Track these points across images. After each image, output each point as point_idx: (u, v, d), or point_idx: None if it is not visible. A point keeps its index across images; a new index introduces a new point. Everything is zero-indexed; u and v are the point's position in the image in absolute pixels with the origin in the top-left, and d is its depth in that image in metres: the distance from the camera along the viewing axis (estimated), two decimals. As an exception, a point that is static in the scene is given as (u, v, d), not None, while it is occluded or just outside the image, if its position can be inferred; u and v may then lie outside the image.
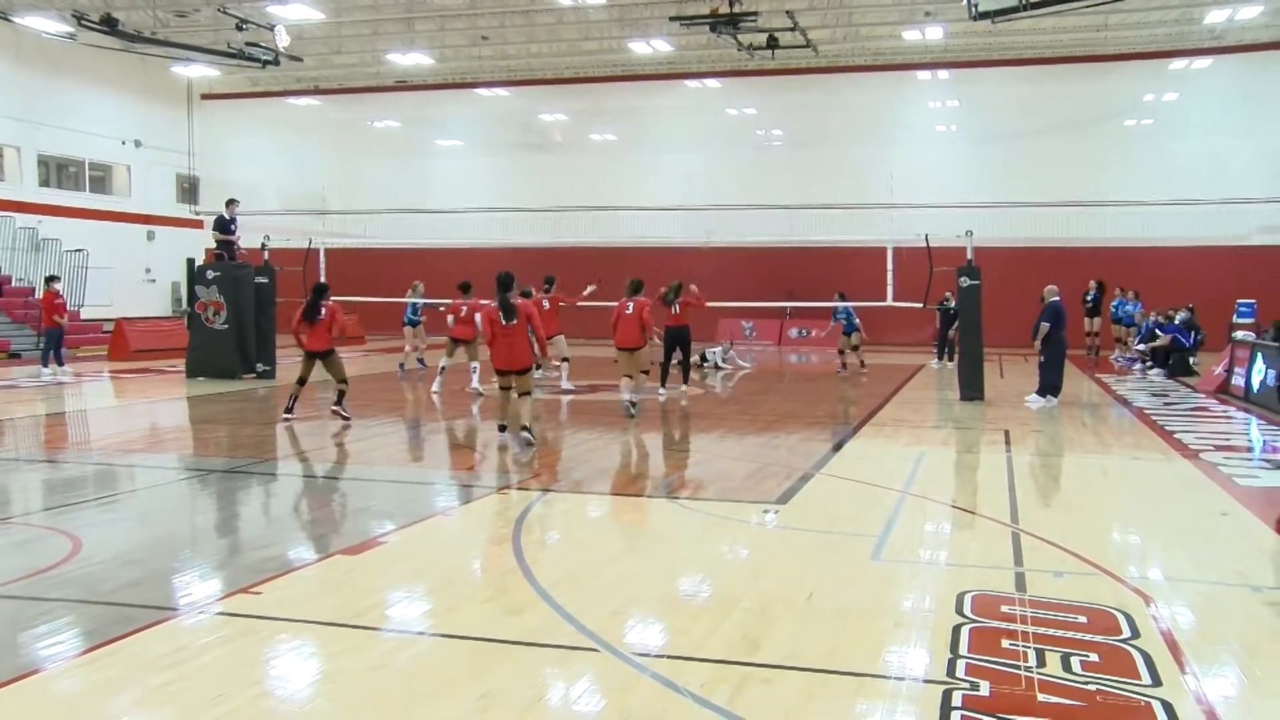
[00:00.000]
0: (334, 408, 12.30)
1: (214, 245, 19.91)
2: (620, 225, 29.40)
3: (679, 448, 11.45)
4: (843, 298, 19.32)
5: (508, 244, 29.84)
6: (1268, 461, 9.53)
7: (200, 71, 30.73)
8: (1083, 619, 5.01)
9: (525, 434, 10.54)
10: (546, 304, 15.90)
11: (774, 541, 7.04)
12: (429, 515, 7.79)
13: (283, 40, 24.08)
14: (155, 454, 10.50)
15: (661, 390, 14.78)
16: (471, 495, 8.57)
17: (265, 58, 25.79)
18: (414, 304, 19.43)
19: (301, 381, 12.53)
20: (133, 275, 31.32)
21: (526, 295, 11.14)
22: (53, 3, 25.00)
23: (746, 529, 7.31)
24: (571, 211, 29.49)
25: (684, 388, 15.50)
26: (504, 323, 10.40)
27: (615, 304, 13.50)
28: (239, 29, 24.03)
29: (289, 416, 12.23)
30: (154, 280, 32.61)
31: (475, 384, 15.67)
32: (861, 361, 19.83)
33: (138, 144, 32.13)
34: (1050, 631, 4.81)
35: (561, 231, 29.02)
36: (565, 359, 16.55)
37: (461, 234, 29.69)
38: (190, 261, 20.01)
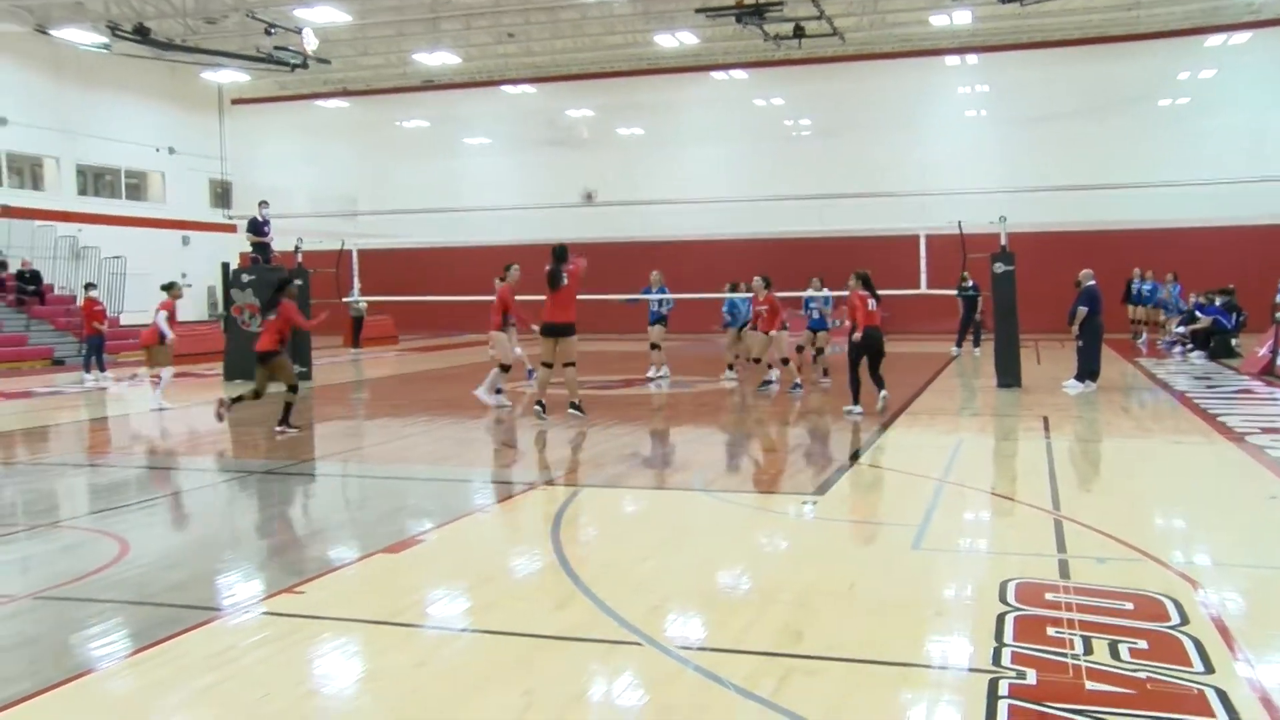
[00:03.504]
0: (278, 426, 11.31)
1: (248, 249, 20.11)
2: (650, 219, 29.37)
3: (713, 441, 11.43)
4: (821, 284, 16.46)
5: (537, 240, 29.90)
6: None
7: (230, 77, 31.08)
8: (1129, 605, 4.95)
9: (572, 410, 11.49)
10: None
11: (813, 532, 7.01)
12: (467, 512, 7.82)
13: (310, 43, 24.24)
14: (196, 457, 10.62)
15: (856, 409, 12.02)
16: (509, 492, 8.60)
17: (293, 61, 26.03)
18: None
19: (257, 394, 11.46)
20: (169, 280, 31.67)
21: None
22: (88, 15, 25.36)
23: (785, 520, 7.29)
24: (601, 207, 29.50)
25: (883, 392, 12.20)
26: (555, 287, 11.37)
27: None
28: (267, 33, 24.24)
29: (224, 411, 11.43)
30: (190, 285, 32.97)
31: (158, 400, 14.24)
32: (812, 369, 16.27)
33: (171, 151, 32.54)
34: (1096, 619, 4.75)
35: (591, 226, 29.01)
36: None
37: (491, 232, 29.79)
38: (225, 265, 20.17)
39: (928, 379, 16.33)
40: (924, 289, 16.10)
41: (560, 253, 11.54)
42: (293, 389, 11.49)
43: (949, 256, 16.37)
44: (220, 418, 11.46)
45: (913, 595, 5.27)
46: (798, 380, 14.78)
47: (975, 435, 11.05)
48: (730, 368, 16.88)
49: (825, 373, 16.07)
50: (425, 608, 5.34)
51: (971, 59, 29.52)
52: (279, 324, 11.39)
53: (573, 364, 11.59)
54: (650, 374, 17.00)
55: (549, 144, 33.33)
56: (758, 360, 15.05)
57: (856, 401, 12.01)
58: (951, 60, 29.61)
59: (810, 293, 16.45)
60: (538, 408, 11.66)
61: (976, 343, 21.11)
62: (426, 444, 11.40)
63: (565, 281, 11.31)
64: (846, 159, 29.30)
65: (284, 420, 11.39)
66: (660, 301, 16.94)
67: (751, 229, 28.13)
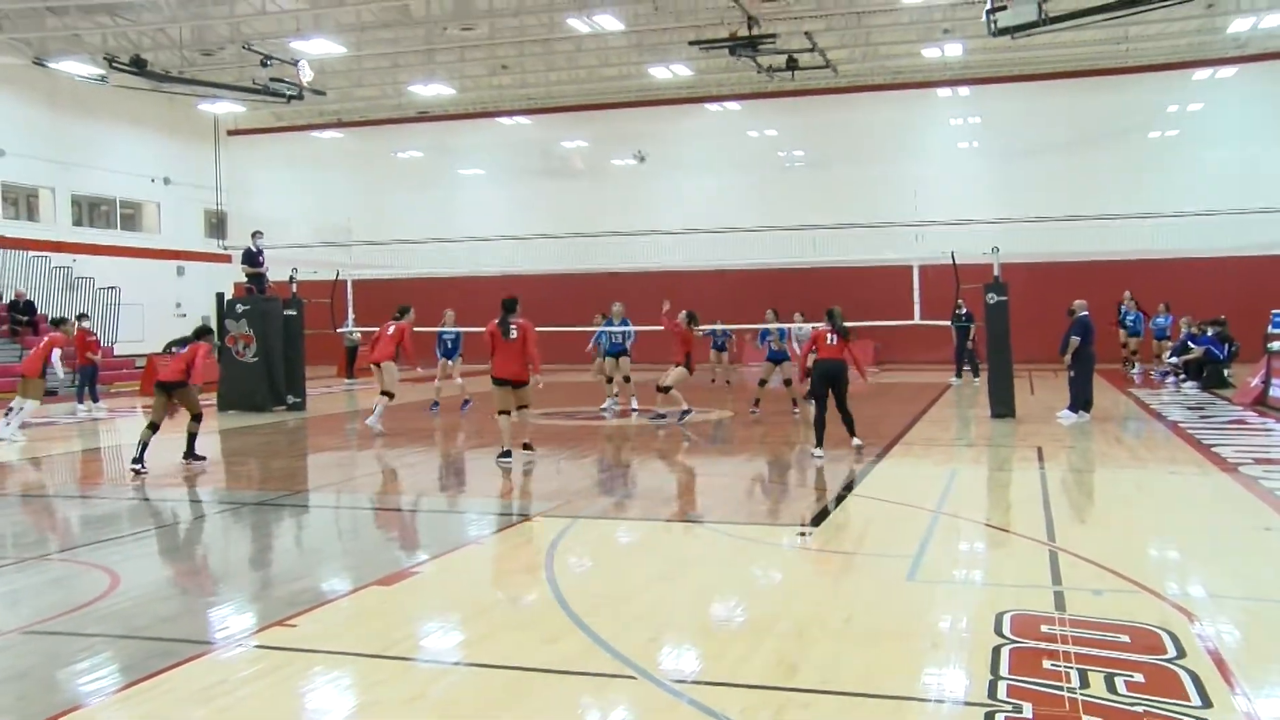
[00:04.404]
0: (183, 458, 11.25)
1: (243, 279, 20.12)
2: (644, 250, 29.43)
3: (707, 472, 11.40)
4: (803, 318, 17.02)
5: (532, 271, 29.97)
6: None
7: (226, 108, 31.16)
8: (1125, 638, 4.93)
9: (526, 452, 11.11)
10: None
11: (808, 564, 6.99)
12: (461, 545, 7.79)
13: (306, 75, 24.35)
14: (188, 488, 10.56)
15: (817, 451, 11.31)
16: (504, 523, 8.57)
17: (289, 92, 26.09)
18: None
19: (154, 426, 10.98)
20: (164, 310, 31.66)
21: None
22: (85, 47, 25.49)
23: (779, 552, 7.27)
24: (595, 237, 29.56)
25: (856, 440, 11.58)
26: (504, 338, 11.07)
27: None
28: (263, 65, 24.34)
29: (139, 468, 10.69)
30: (184, 315, 32.90)
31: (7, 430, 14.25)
32: (795, 400, 15.82)
33: (166, 181, 32.59)
34: (1092, 651, 4.73)
35: (585, 257, 29.07)
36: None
37: (486, 262, 29.83)
38: (220, 296, 20.19)
39: (922, 409, 16.34)
40: (918, 319, 16.15)
41: (509, 304, 11.15)
42: (197, 419, 11.38)
43: (943, 287, 16.43)
44: (136, 474, 10.68)
45: (908, 627, 5.25)
46: (661, 411, 15.20)
47: (970, 466, 11.05)
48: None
49: (795, 404, 16.00)
50: (419, 640, 5.31)
51: (963, 91, 29.76)
52: (188, 357, 11.20)
53: (526, 406, 11.29)
54: (631, 405, 16.76)
55: (543, 175, 33.46)
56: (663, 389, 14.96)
57: (819, 444, 11.28)
58: (943, 92, 29.85)
59: (797, 325, 16.68)
60: (506, 460, 10.94)
61: (975, 372, 21.09)
62: (420, 474, 11.38)
63: (514, 335, 10.91)
64: (839, 190, 29.42)
65: (189, 452, 11.37)
66: (624, 335, 16.75)
67: (745, 260, 28.21)
